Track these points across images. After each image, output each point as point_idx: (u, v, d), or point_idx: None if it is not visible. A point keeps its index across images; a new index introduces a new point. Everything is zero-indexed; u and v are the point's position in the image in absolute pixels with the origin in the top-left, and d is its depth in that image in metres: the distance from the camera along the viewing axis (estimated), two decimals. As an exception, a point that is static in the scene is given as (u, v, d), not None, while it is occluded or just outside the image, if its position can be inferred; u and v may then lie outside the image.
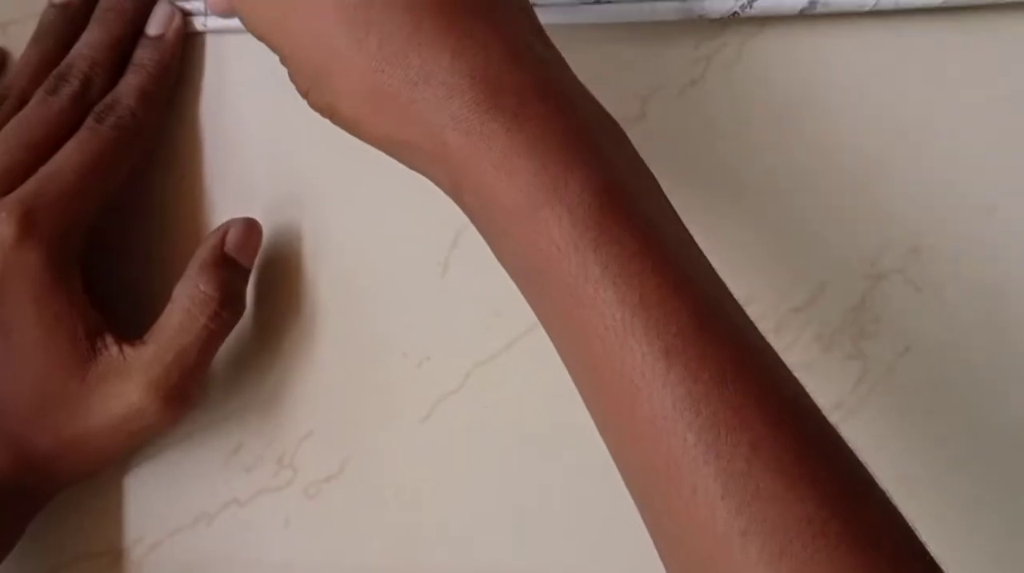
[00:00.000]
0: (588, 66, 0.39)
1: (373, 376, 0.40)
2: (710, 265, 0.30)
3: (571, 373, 0.30)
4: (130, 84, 0.39)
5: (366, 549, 0.40)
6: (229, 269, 0.39)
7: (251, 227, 0.40)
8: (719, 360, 0.27)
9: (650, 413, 0.26)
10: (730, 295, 0.29)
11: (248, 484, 0.41)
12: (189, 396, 0.38)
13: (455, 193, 0.31)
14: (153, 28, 0.41)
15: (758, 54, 0.39)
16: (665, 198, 0.31)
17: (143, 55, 0.40)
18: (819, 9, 0.37)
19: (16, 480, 0.37)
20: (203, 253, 0.39)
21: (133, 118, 0.39)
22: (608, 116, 0.31)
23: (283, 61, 0.33)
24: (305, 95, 0.33)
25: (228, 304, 0.38)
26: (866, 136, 0.38)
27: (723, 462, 0.26)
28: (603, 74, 0.39)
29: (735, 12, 0.38)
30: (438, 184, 0.32)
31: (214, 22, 0.41)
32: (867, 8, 0.37)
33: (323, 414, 0.41)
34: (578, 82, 0.32)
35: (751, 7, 0.38)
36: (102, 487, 0.42)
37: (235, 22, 0.40)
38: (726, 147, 0.39)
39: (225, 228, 0.39)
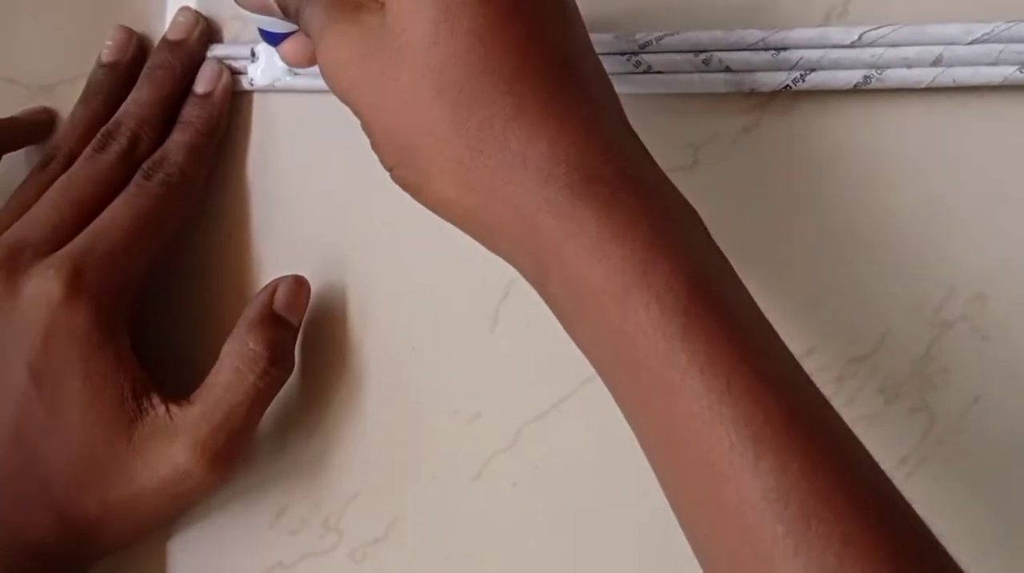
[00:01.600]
0: (640, 114, 0.39)
1: (421, 434, 0.39)
2: (787, 348, 0.29)
3: (650, 458, 0.30)
4: (178, 141, 0.39)
5: (415, 614, 0.39)
6: (278, 327, 0.38)
7: (300, 285, 0.39)
8: (808, 449, 0.26)
9: (738, 503, 0.26)
10: (809, 379, 0.29)
11: (293, 548, 0.39)
12: (236, 458, 0.37)
13: (539, 276, 0.31)
14: (201, 86, 0.41)
15: (813, 100, 0.38)
16: (740, 281, 0.30)
17: (191, 113, 0.40)
18: (873, 85, 0.37)
19: (60, 546, 0.36)
20: (252, 311, 0.38)
21: (181, 175, 0.39)
22: (687, 203, 0.31)
23: (367, 129, 0.32)
24: (391, 169, 0.32)
25: (277, 362, 0.37)
26: (929, 181, 0.37)
27: (814, 554, 0.25)
28: (655, 123, 0.39)
29: (787, 86, 0.37)
30: (520, 268, 0.32)
31: (262, 80, 0.41)
32: (923, 86, 0.37)
33: (369, 475, 0.39)
34: (661, 171, 0.32)
35: (804, 81, 0.37)
36: (145, 552, 0.41)
37: (283, 81, 0.41)
38: (782, 195, 0.38)
39: (274, 286, 0.39)
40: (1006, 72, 0.36)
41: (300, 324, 0.39)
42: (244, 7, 0.36)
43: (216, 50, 0.42)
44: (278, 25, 0.36)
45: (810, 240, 0.38)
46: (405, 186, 0.32)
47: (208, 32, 0.42)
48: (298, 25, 0.34)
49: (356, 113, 0.32)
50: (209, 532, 0.41)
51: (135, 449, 0.36)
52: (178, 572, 0.41)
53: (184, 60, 0.41)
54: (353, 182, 0.41)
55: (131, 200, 0.37)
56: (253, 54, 0.41)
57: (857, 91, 0.37)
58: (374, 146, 0.32)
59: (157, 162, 0.39)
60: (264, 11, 0.35)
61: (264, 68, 0.41)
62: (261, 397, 0.37)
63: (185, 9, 0.42)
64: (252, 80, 0.41)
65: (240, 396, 0.37)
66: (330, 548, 0.39)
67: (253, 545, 0.40)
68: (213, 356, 0.38)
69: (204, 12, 0.42)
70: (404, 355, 0.40)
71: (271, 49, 0.39)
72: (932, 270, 0.37)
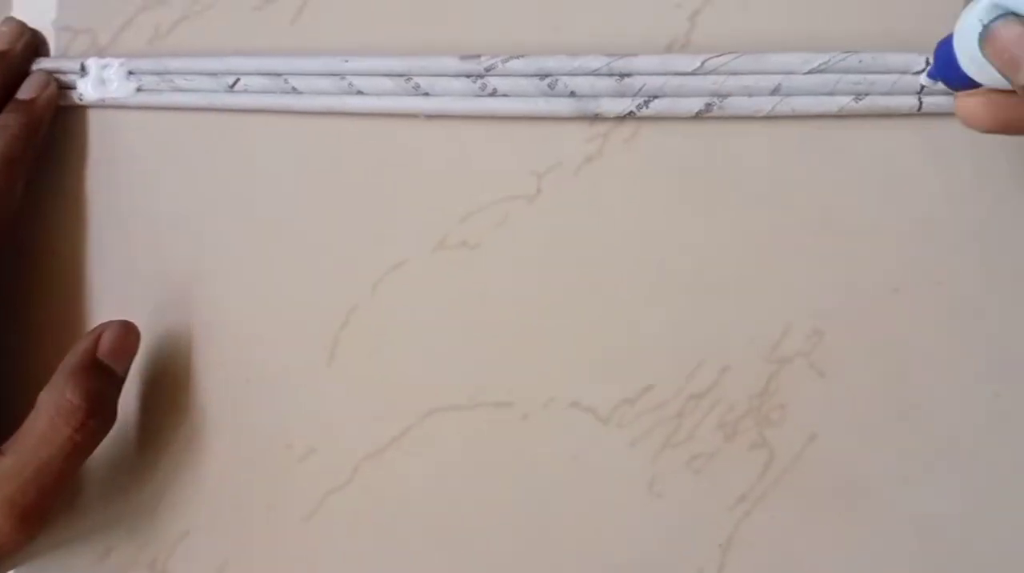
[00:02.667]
0: (484, 140, 0.38)
1: (255, 472, 0.38)
2: None
3: None
4: None
5: (245, 659, 0.37)
6: (100, 377, 0.36)
7: (127, 331, 0.37)
8: None
9: None
10: None
11: (118, 590, 0.38)
12: (46, 515, 0.35)
13: None
14: (24, 93, 0.38)
15: (657, 126, 0.37)
16: None
17: (8, 118, 0.38)
18: (715, 113, 0.36)
19: None
20: (73, 358, 0.36)
21: None
22: None
23: None
24: None
25: (97, 414, 0.35)
26: (768, 215, 0.37)
27: None
28: (499, 150, 0.38)
29: (631, 112, 0.37)
30: None
31: (93, 95, 0.39)
32: (763, 114, 0.36)
33: (201, 514, 0.38)
34: None
35: (647, 107, 0.37)
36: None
37: (117, 94, 0.39)
38: (623, 225, 0.37)
39: (99, 331, 0.36)
40: (842, 102, 0.36)
41: (126, 373, 0.37)
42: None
43: (43, 63, 0.40)
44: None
45: (650, 272, 0.37)
46: None
47: (35, 44, 0.40)
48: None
49: None
50: (30, 573, 0.38)
51: None
52: (-4, 616, 0.38)
53: (7, 71, 0.39)
54: (194, 209, 0.39)
55: None
56: (83, 68, 0.39)
57: (700, 118, 0.37)
58: None
59: None
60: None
61: (95, 83, 0.39)
62: (77, 451, 0.35)
63: (9, 19, 0.40)
64: (82, 95, 0.39)
65: (54, 449, 0.34)
66: (157, 590, 0.38)
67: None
68: (32, 398, 0.35)
69: (32, 24, 0.40)
70: (241, 390, 0.38)
71: (104, 62, 0.37)
72: (770, 304, 0.37)
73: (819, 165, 0.37)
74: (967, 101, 0.28)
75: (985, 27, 0.25)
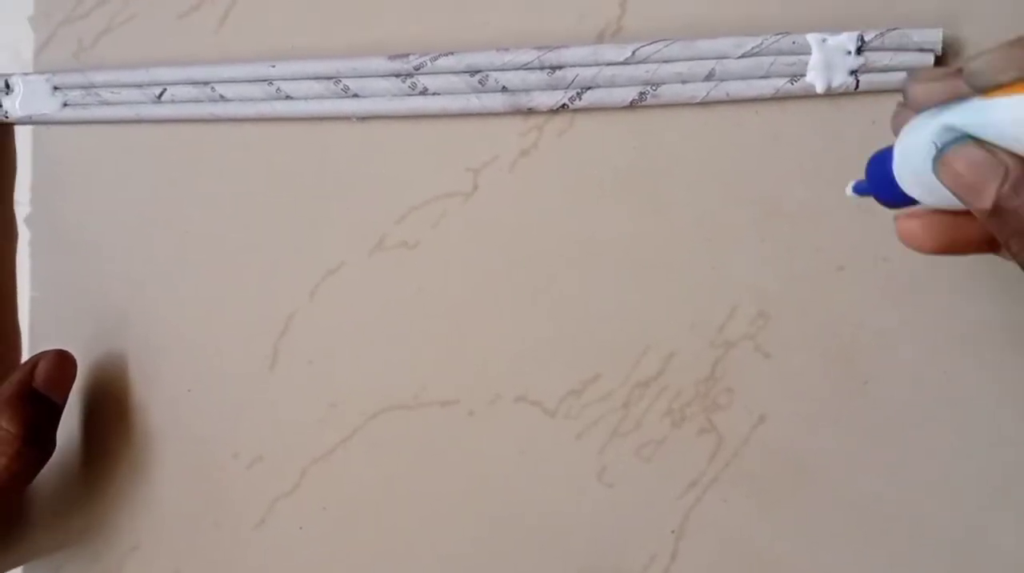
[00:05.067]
0: (418, 139, 0.37)
1: (202, 482, 0.37)
2: None
3: None
4: None
5: (200, 672, 0.37)
6: (37, 405, 0.35)
7: (64, 360, 0.36)
8: None
9: None
10: None
11: (69, 608, 0.37)
12: None
13: None
14: None
15: (591, 118, 0.37)
16: None
17: None
18: (649, 101, 0.36)
19: None
20: (8, 388, 0.35)
21: None
22: None
23: None
24: None
25: (33, 442, 0.34)
26: (708, 201, 0.36)
27: None
28: (433, 148, 0.37)
29: (564, 105, 0.36)
30: None
31: (19, 112, 0.38)
32: (698, 100, 0.36)
33: (150, 526, 0.37)
34: None
35: (580, 99, 0.36)
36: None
37: (43, 109, 0.38)
38: (562, 218, 0.37)
39: (35, 361, 0.36)
40: (778, 84, 0.35)
41: (64, 402, 0.36)
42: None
43: (-32, 80, 0.39)
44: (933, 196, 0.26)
45: (591, 263, 0.37)
46: None
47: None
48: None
49: None
50: (-19, 596, 0.38)
51: None
52: (-51, 641, 0.38)
53: None
54: (126, 222, 0.39)
55: None
56: (7, 85, 0.38)
57: (634, 107, 0.36)
58: None
59: None
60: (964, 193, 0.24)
61: (22, 100, 0.39)
62: (14, 479, 0.34)
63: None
64: (7, 112, 0.39)
65: None
66: (108, 607, 0.37)
67: (28, 608, 0.38)
68: None
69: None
70: (182, 400, 0.38)
71: (28, 78, 0.37)
72: (714, 289, 0.36)
73: (758, 149, 0.36)
74: (908, 223, 0.27)
75: (940, 151, 0.24)
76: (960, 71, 0.24)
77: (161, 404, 0.37)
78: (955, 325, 0.35)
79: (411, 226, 0.37)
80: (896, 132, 0.27)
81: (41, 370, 0.35)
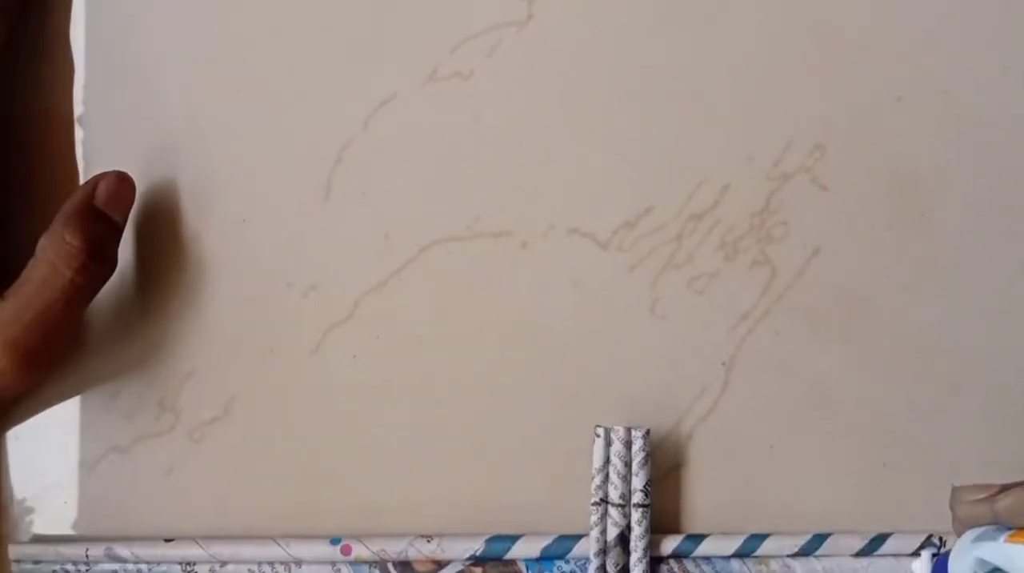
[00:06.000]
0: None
1: (257, 310, 0.37)
2: None
3: None
4: None
5: (254, 495, 0.37)
6: (99, 221, 0.35)
7: (122, 181, 0.36)
8: None
9: None
10: None
11: (129, 430, 0.38)
12: (52, 358, 0.35)
13: None
14: None
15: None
16: None
17: None
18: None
19: None
20: (70, 206, 0.35)
21: None
22: None
23: None
24: None
25: (96, 256, 0.34)
26: (765, 29, 0.36)
27: None
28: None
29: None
30: None
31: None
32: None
33: (205, 353, 0.37)
34: None
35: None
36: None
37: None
38: (618, 47, 0.36)
39: (95, 181, 0.36)
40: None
41: (124, 221, 0.36)
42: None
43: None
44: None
45: (647, 93, 0.36)
46: None
47: None
48: None
49: None
50: (43, 418, 0.39)
51: None
52: (12, 462, 0.39)
53: None
54: (182, 55, 0.39)
55: None
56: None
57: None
58: None
59: None
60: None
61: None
62: (79, 294, 0.34)
63: None
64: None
65: (56, 293, 0.34)
66: (167, 429, 0.38)
67: (89, 430, 0.38)
68: (30, 249, 0.35)
69: None
70: (237, 229, 0.38)
71: None
72: (770, 120, 0.35)
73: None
74: None
75: None
76: (997, 494, 0.30)
77: (216, 233, 0.38)
78: (1015, 159, 0.34)
79: (465, 55, 0.37)
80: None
81: (102, 189, 0.36)
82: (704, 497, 0.36)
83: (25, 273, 0.34)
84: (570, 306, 0.36)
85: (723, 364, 0.36)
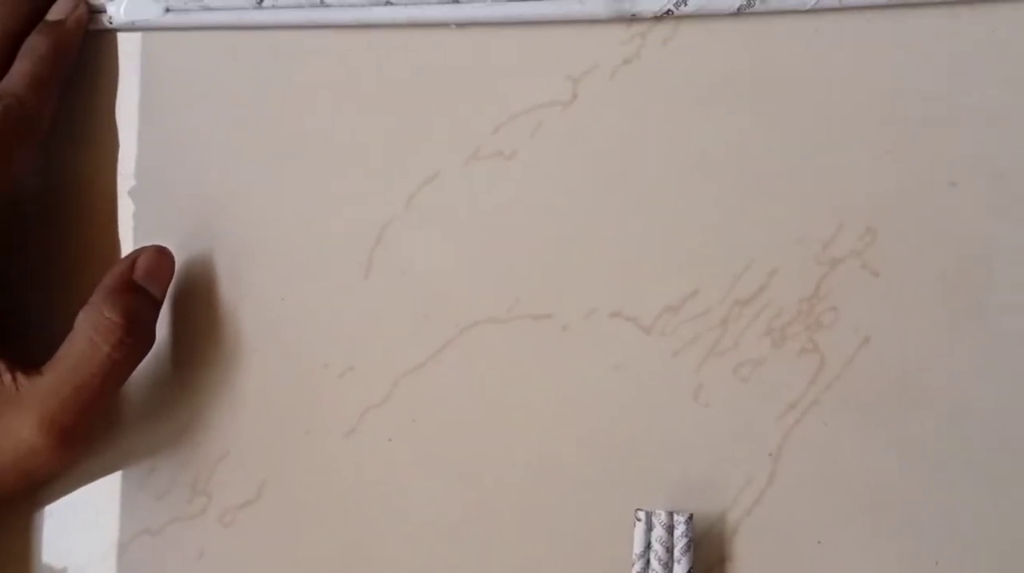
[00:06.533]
0: (517, 45, 0.37)
1: (293, 391, 0.37)
2: None
3: None
4: (19, 70, 0.36)
5: (288, 579, 0.36)
6: (137, 296, 0.35)
7: (162, 255, 0.36)
8: None
9: None
10: None
11: (161, 512, 0.37)
12: (87, 434, 0.34)
13: None
14: (53, 14, 0.37)
15: (696, 25, 0.36)
16: None
17: (35, 40, 0.37)
18: (757, 8, 0.35)
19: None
20: (110, 279, 0.35)
21: (20, 106, 0.35)
22: None
23: None
24: None
25: (135, 332, 0.34)
26: (815, 112, 0.35)
27: None
28: (532, 54, 0.36)
29: (669, 10, 0.35)
30: None
31: (123, 18, 0.38)
32: (807, 7, 0.35)
33: (239, 434, 0.37)
34: None
35: (686, 5, 0.35)
36: (8, 521, 0.38)
37: (146, 15, 0.38)
38: (664, 128, 0.36)
39: (135, 255, 0.36)
40: (892, -9, 0.34)
41: (163, 296, 0.36)
42: None
43: (74, -14, 0.39)
44: None
45: (693, 175, 0.35)
46: None
47: (64, -33, 0.39)
48: None
49: None
50: (75, 497, 0.38)
51: None
52: (44, 541, 0.38)
53: None
54: (225, 129, 0.39)
55: None
56: (112, -8, 0.39)
57: (741, 14, 0.35)
58: None
59: None
60: None
61: (127, 6, 0.39)
62: (116, 369, 0.34)
63: (39, -57, 0.39)
64: (111, 18, 0.39)
65: (93, 368, 0.33)
66: (199, 511, 0.37)
67: (121, 510, 0.38)
68: (68, 323, 0.35)
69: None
70: (274, 308, 0.37)
71: None
72: (820, 203, 0.35)
73: (869, 57, 0.35)
74: None
75: None
76: None
77: (253, 310, 0.37)
78: (1078, 246, 0.33)
79: (508, 135, 0.36)
80: None
81: (141, 263, 0.35)
82: (750, 593, 0.34)
83: (62, 348, 0.34)
84: (611, 391, 0.35)
85: (770, 454, 0.34)
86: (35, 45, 0.37)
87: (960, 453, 0.34)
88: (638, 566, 0.33)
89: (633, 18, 0.35)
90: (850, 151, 0.34)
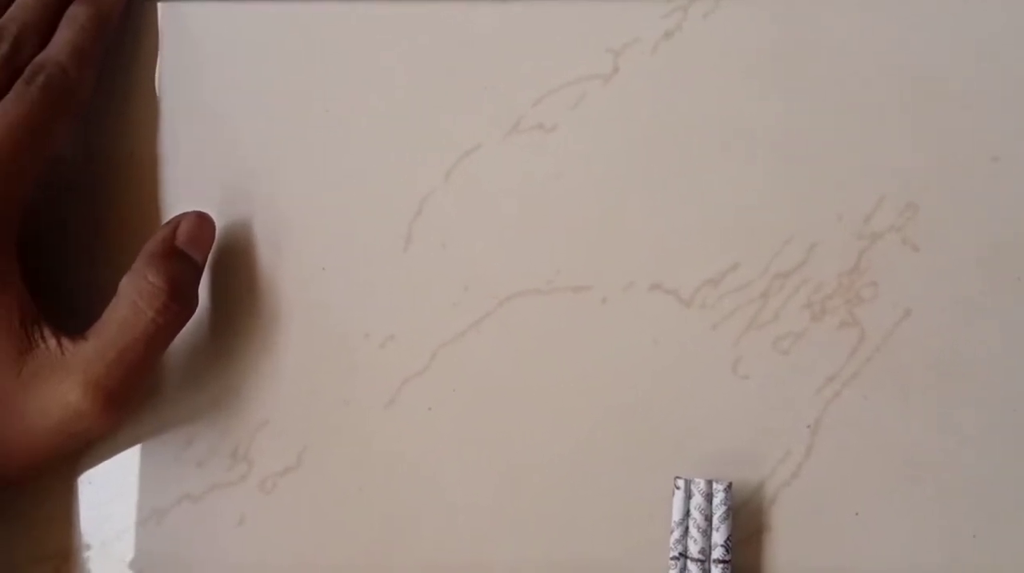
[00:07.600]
0: (556, 19, 0.37)
1: (332, 360, 0.37)
2: None
3: None
4: (61, 40, 0.36)
5: (328, 547, 0.36)
6: (181, 261, 0.35)
7: (204, 221, 0.36)
8: None
9: None
10: None
11: (201, 479, 0.37)
12: (131, 398, 0.34)
13: None
14: None
15: (737, 1, 0.36)
16: None
17: (77, 9, 0.36)
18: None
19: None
20: (153, 245, 0.35)
21: (63, 75, 0.35)
22: None
23: None
24: None
25: (178, 297, 0.34)
26: (858, 86, 0.35)
27: None
28: (572, 28, 0.36)
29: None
30: None
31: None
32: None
33: (280, 402, 0.37)
34: None
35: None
36: (49, 486, 0.39)
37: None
38: (704, 102, 0.36)
39: (177, 221, 0.36)
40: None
41: (204, 261, 0.36)
42: None
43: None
44: None
45: (734, 149, 0.36)
46: None
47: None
48: None
49: None
50: (115, 464, 0.38)
51: (23, 384, 0.33)
52: (83, 507, 0.38)
53: None
54: (265, 99, 0.39)
55: (10, 107, 0.34)
56: (150, -38, 0.39)
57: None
58: None
59: (40, 64, 0.35)
60: None
61: (165, -25, 0.39)
62: (160, 334, 0.34)
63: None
64: (151, -12, 0.39)
65: (137, 333, 0.34)
66: (239, 478, 0.37)
67: (161, 477, 0.38)
68: (111, 291, 0.35)
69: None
70: (316, 280, 0.37)
71: None
72: (861, 178, 0.35)
73: (912, 31, 0.35)
74: None
75: None
76: None
77: (293, 280, 0.37)
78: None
79: (549, 108, 0.36)
80: None
81: (183, 228, 0.36)
82: (785, 563, 0.34)
83: (108, 311, 0.34)
84: (650, 363, 0.36)
85: (808, 427, 0.35)
86: (76, 14, 0.37)
87: (998, 426, 0.34)
88: (677, 533, 0.34)
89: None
90: (892, 125, 0.34)
